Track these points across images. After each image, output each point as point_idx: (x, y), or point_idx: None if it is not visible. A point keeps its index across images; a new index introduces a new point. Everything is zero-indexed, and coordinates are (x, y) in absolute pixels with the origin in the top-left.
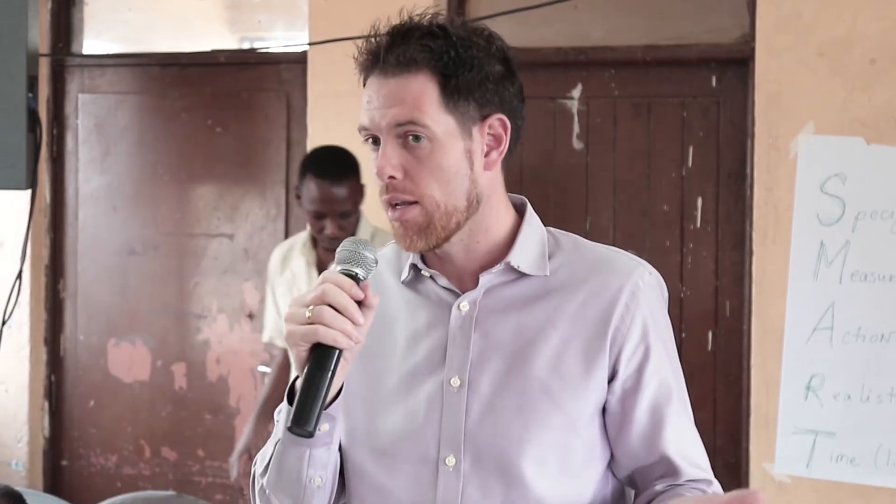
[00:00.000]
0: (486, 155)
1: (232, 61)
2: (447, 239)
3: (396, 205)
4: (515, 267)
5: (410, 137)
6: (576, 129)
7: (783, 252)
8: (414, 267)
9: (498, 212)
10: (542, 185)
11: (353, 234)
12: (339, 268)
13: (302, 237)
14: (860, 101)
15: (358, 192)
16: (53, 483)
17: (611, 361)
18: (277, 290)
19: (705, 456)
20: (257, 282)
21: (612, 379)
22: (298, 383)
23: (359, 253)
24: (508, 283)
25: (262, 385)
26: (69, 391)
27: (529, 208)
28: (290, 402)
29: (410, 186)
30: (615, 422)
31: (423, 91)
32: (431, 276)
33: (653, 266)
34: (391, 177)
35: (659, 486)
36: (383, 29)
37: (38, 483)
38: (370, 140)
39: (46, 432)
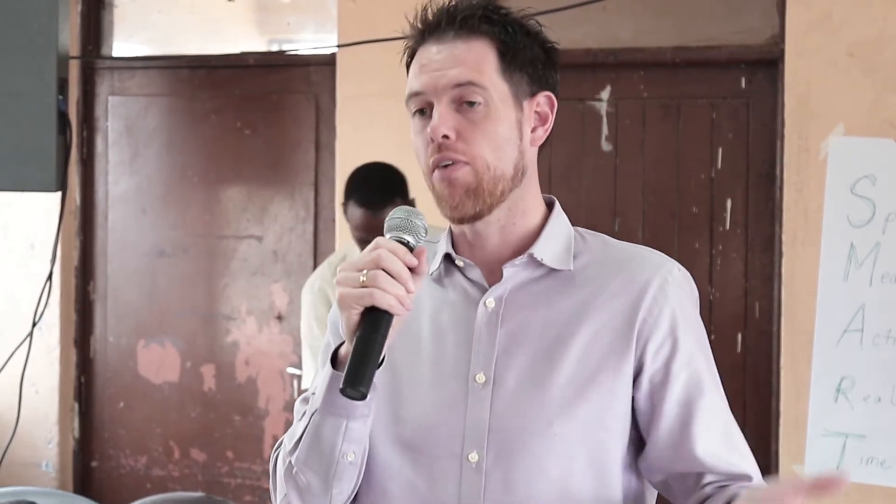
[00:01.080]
0: (533, 130)
1: (261, 63)
2: (492, 207)
3: (445, 165)
4: (539, 259)
5: (466, 102)
6: (605, 130)
7: (813, 254)
8: (446, 257)
9: (535, 196)
10: (571, 186)
11: None
12: (390, 235)
13: (333, 264)
14: (890, 103)
15: None
16: (83, 484)
17: (637, 354)
18: (321, 316)
19: (744, 448)
20: (286, 283)
21: (638, 373)
22: (346, 347)
23: (410, 221)
24: (535, 279)
25: (290, 387)
26: (99, 392)
27: (558, 205)
28: (336, 367)
29: (463, 147)
30: (645, 419)
31: (484, 55)
32: (463, 268)
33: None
34: (445, 136)
35: (707, 489)
36: (434, 7)
37: (67, 484)
38: (418, 113)
39: (76, 433)
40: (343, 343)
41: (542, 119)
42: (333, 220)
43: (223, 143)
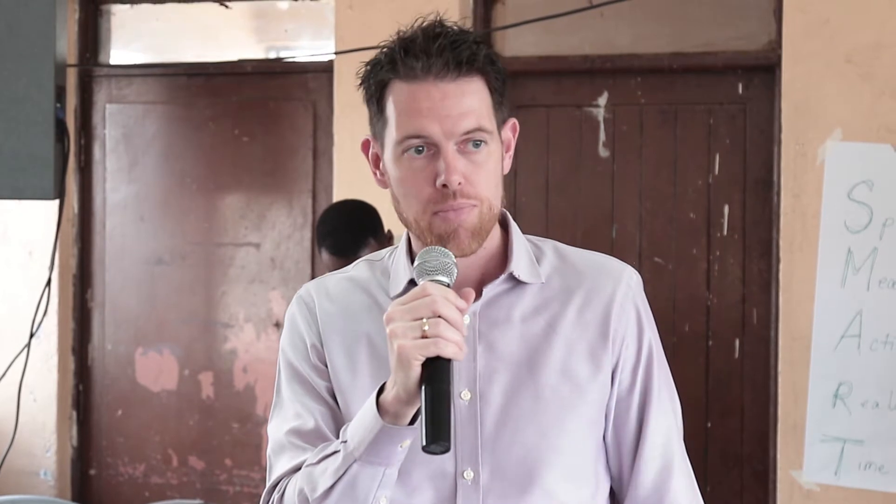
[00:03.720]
0: (503, 160)
1: (258, 71)
2: (483, 242)
3: (452, 209)
4: (517, 276)
5: (471, 143)
6: (602, 136)
7: (810, 259)
8: (412, 282)
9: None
10: (568, 193)
11: None
12: (428, 278)
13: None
14: (888, 108)
15: (377, 250)
16: (81, 492)
17: (613, 361)
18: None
19: (681, 456)
20: (284, 290)
21: (612, 380)
22: (395, 393)
23: (444, 262)
24: (505, 292)
25: None
26: (97, 400)
27: (510, 216)
28: (386, 417)
29: (471, 191)
30: (610, 422)
31: (483, 97)
32: None
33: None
34: (459, 183)
35: None
36: (415, 32)
37: (66, 492)
38: (412, 150)
39: (74, 441)
40: (383, 389)
41: (508, 146)
42: None
43: (221, 151)
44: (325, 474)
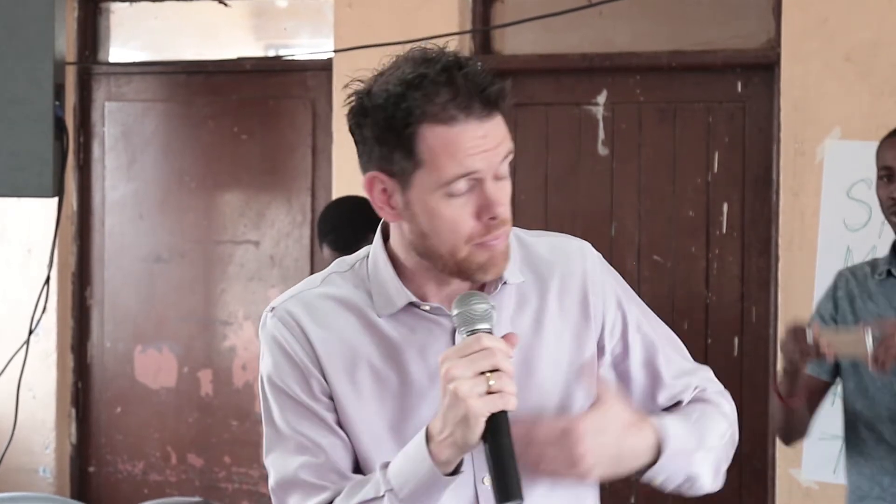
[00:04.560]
0: None
1: (258, 69)
2: None
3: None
4: (507, 282)
5: (500, 172)
6: (601, 135)
7: (809, 257)
8: (410, 304)
9: None
10: (567, 191)
11: None
12: (478, 327)
13: None
14: (887, 106)
15: None
16: (81, 489)
17: (596, 335)
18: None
19: (684, 355)
20: (283, 288)
21: (600, 350)
22: (449, 447)
23: (484, 308)
24: (494, 295)
25: None
26: (96, 398)
27: None
28: (442, 466)
29: (507, 216)
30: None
31: (505, 127)
32: (430, 310)
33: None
34: (505, 213)
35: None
36: (437, 76)
37: (65, 489)
38: (458, 188)
39: (73, 439)
40: (426, 433)
41: None
42: None
43: (220, 149)
44: None
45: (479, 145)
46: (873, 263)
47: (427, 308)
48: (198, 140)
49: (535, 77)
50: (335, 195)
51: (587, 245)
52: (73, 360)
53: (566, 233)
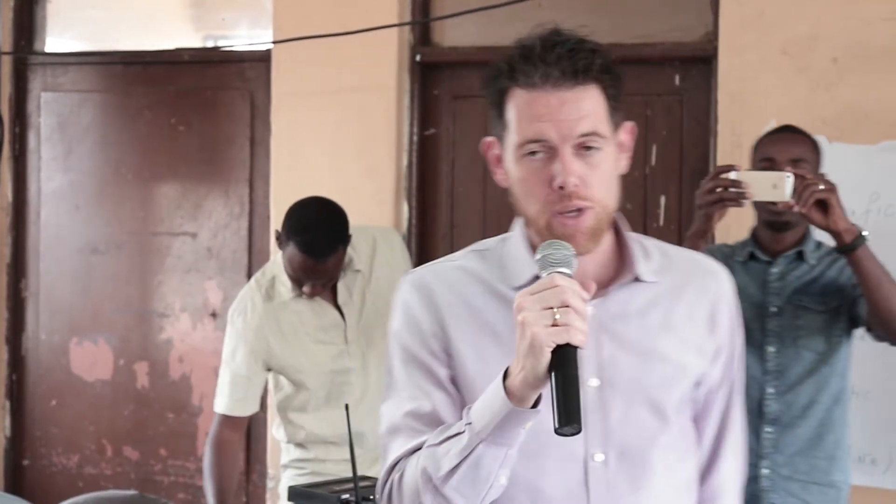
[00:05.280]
0: (621, 161)
1: (196, 59)
2: (600, 242)
3: (568, 212)
4: (641, 278)
5: (586, 147)
6: None
7: None
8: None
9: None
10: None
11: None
12: (553, 269)
13: (262, 286)
14: (822, 100)
15: (343, 257)
16: (14, 483)
17: (713, 354)
18: (256, 351)
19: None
20: (220, 280)
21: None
22: (521, 377)
23: (565, 254)
24: (623, 288)
25: None
26: (31, 390)
27: (622, 217)
28: (513, 400)
29: (586, 192)
30: (696, 412)
31: (598, 103)
32: None
33: None
34: (575, 185)
35: None
36: (534, 42)
37: None
38: (529, 154)
39: (7, 432)
40: (507, 373)
41: (627, 147)
42: (268, 217)
43: (157, 140)
44: (448, 455)
45: (552, 113)
46: (731, 247)
47: None
48: (135, 131)
49: (474, 69)
50: (273, 187)
51: (727, 273)
52: (8, 353)
53: (503, 224)
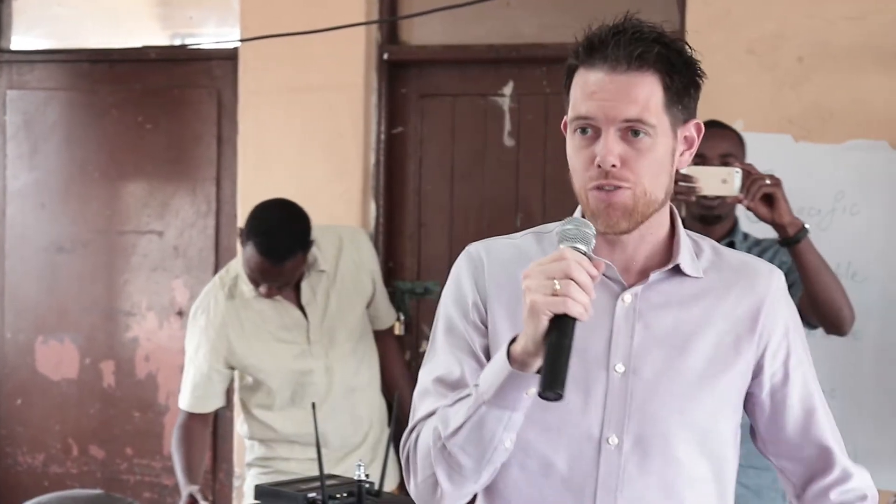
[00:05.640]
0: (681, 155)
1: (162, 57)
2: (638, 225)
3: (604, 188)
4: (681, 269)
5: (632, 132)
6: (507, 126)
7: None
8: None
9: (667, 211)
10: (473, 182)
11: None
12: (567, 244)
13: (226, 283)
14: (789, 99)
15: (302, 262)
16: None
17: (758, 354)
18: (217, 348)
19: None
20: (187, 279)
21: (758, 373)
22: (523, 345)
23: (583, 231)
24: (666, 280)
25: None
26: None
27: (678, 213)
28: (514, 364)
29: (626, 174)
30: (766, 413)
31: (652, 92)
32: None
33: None
34: (613, 165)
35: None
36: (603, 25)
37: None
38: (579, 130)
39: None
40: (514, 339)
41: (689, 143)
42: (235, 216)
43: (124, 138)
44: (457, 414)
45: (599, 92)
46: None
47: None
48: (101, 129)
49: (441, 68)
50: (240, 185)
51: (780, 273)
52: None
53: (471, 222)
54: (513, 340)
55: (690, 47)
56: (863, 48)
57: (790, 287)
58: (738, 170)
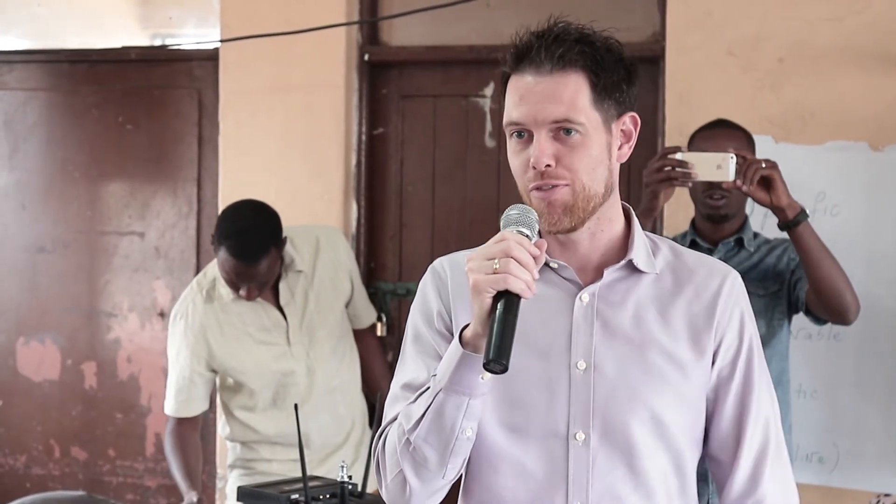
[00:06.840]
0: (619, 148)
1: (143, 58)
2: (584, 221)
3: (543, 187)
4: (635, 264)
5: (563, 131)
6: (488, 126)
7: None
8: None
9: (618, 206)
10: (454, 182)
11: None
12: (510, 228)
13: (204, 287)
14: (769, 100)
15: (277, 259)
16: None
17: (713, 349)
18: (198, 352)
19: (783, 460)
20: (169, 280)
21: (714, 362)
22: (472, 329)
23: (526, 216)
24: (623, 278)
25: None
26: None
27: (633, 211)
28: (466, 347)
29: (562, 172)
30: (710, 408)
31: (577, 90)
32: (557, 268)
33: None
34: (547, 165)
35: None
36: (529, 32)
37: None
38: (515, 134)
39: None
40: (467, 326)
41: (627, 137)
42: (216, 217)
43: (105, 139)
44: (418, 407)
45: (527, 96)
46: (672, 238)
47: (555, 266)
48: (82, 130)
49: (422, 68)
50: (221, 186)
51: (736, 274)
52: None
53: (452, 222)
54: (466, 327)
55: (619, 43)
56: (842, 49)
57: (797, 283)
58: (733, 155)
